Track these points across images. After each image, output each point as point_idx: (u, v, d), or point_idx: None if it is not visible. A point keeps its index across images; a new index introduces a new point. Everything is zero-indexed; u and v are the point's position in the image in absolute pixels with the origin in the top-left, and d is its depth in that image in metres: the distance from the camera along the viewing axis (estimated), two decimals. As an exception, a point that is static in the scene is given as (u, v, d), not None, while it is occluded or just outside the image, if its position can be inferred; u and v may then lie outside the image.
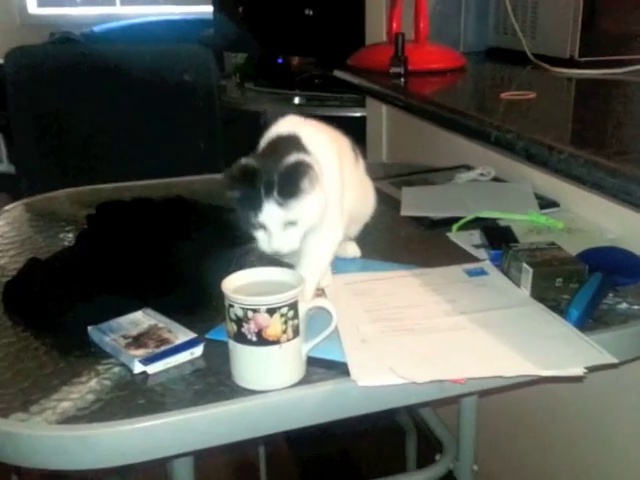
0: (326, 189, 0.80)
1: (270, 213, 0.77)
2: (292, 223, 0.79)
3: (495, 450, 1.49)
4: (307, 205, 0.78)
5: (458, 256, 1.03)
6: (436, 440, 1.38)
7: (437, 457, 1.33)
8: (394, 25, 1.63)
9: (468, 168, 1.39)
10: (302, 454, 1.87)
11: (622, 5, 1.55)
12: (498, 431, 1.48)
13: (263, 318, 0.69)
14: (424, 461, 1.38)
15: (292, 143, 0.81)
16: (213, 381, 0.73)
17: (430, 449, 1.39)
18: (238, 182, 0.78)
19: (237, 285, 0.74)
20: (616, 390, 1.13)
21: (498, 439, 1.49)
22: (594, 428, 1.20)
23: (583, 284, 0.87)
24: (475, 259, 1.02)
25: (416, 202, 1.24)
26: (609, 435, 1.16)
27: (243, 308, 0.70)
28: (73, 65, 2.04)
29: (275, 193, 0.76)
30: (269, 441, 1.65)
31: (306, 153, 0.80)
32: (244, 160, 0.79)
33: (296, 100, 2.50)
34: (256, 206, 0.77)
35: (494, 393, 1.11)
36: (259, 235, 0.80)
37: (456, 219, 1.13)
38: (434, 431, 1.39)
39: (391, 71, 1.52)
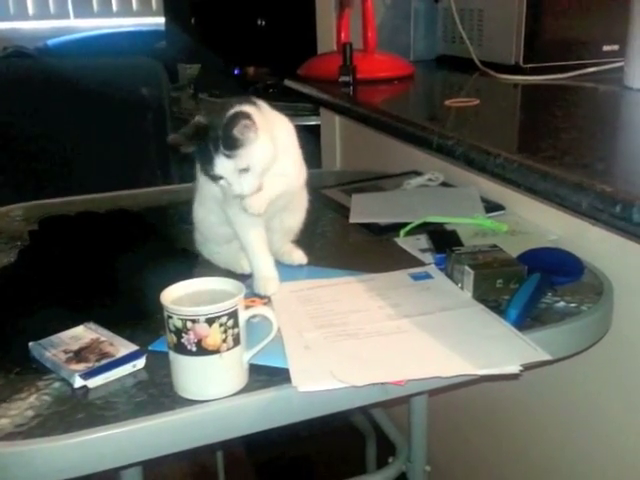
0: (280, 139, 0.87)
1: (221, 165, 0.84)
2: (245, 170, 0.84)
3: (448, 449, 1.51)
4: (252, 153, 0.83)
5: (405, 261, 1.04)
6: (390, 442, 1.39)
7: (390, 459, 1.34)
8: (342, 35, 1.65)
9: (417, 174, 1.41)
10: (261, 458, 1.87)
11: (565, 12, 1.59)
12: (450, 430, 1.50)
13: (202, 328, 0.70)
14: (384, 463, 1.39)
15: (241, 101, 0.86)
16: (155, 393, 0.73)
17: (389, 451, 1.40)
18: (191, 140, 0.85)
19: (176, 296, 0.74)
20: (564, 386, 1.15)
21: (451, 438, 1.51)
22: (545, 425, 1.22)
23: (522, 284, 0.89)
24: (421, 263, 1.03)
25: (365, 209, 1.25)
26: (560, 432, 1.19)
27: (182, 319, 0.70)
28: (24, 79, 2.02)
29: (221, 146, 0.82)
30: (227, 445, 1.64)
31: (252, 105, 0.85)
32: (195, 118, 0.85)
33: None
34: (209, 160, 0.84)
35: (444, 392, 1.13)
36: (222, 184, 0.86)
37: (404, 224, 1.14)
38: (387, 433, 1.41)
39: (340, 80, 1.53)
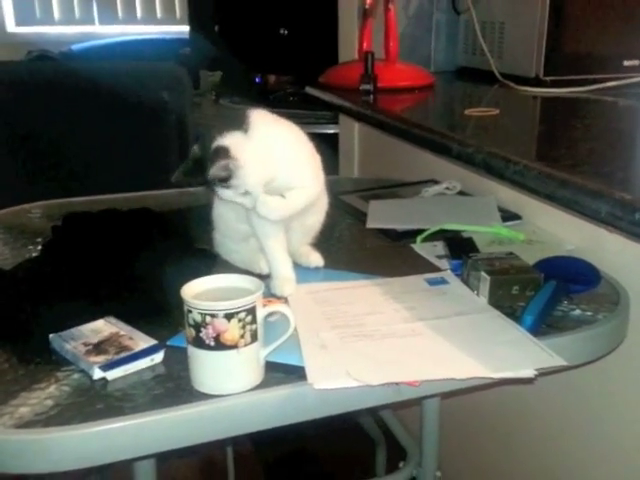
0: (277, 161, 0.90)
1: (222, 193, 0.89)
2: (246, 192, 0.88)
3: (459, 455, 1.51)
4: (242, 180, 0.86)
5: (421, 266, 1.05)
6: (401, 447, 1.39)
7: (401, 464, 1.34)
8: (364, 44, 1.67)
9: (435, 182, 1.42)
10: (270, 456, 1.87)
11: (586, 26, 1.59)
12: (462, 435, 1.50)
13: (221, 323, 0.71)
14: (394, 468, 1.39)
15: (232, 126, 0.88)
16: (172, 386, 0.74)
17: (399, 455, 1.40)
18: (190, 177, 0.89)
19: (197, 291, 0.75)
20: (579, 393, 1.15)
21: (462, 443, 1.51)
22: (558, 433, 1.22)
23: (538, 291, 0.89)
24: (438, 269, 1.04)
25: (382, 215, 1.26)
26: (573, 440, 1.18)
27: (201, 313, 0.71)
28: (48, 82, 2.05)
29: (216, 182, 0.87)
30: (237, 442, 1.65)
31: (241, 130, 0.87)
32: (193, 148, 0.89)
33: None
34: (213, 190, 0.89)
35: (456, 396, 1.13)
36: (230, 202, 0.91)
37: (421, 231, 1.15)
38: (398, 438, 1.41)
39: (361, 88, 1.55)
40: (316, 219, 1.02)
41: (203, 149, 0.88)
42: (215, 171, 0.85)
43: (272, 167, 0.89)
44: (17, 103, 1.99)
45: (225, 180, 0.86)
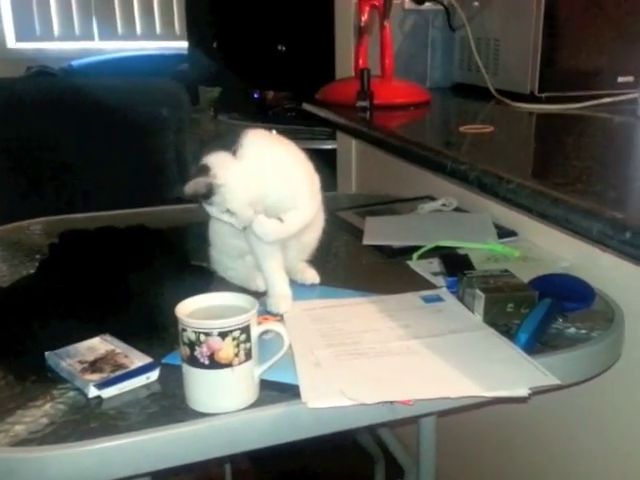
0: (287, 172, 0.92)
1: (209, 211, 0.91)
2: (228, 211, 0.89)
3: (456, 471, 1.50)
4: (223, 196, 0.88)
5: (417, 283, 1.05)
6: (399, 464, 1.39)
7: (397, 482, 1.34)
8: (360, 61, 1.68)
9: (431, 199, 1.43)
10: (268, 472, 1.86)
11: (581, 43, 1.61)
12: (459, 452, 1.49)
13: (215, 341, 0.71)
14: (392, 484, 1.39)
15: (225, 141, 0.90)
16: (167, 404, 0.74)
17: (397, 473, 1.40)
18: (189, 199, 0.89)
19: (191, 309, 0.75)
20: (575, 413, 1.15)
21: (459, 460, 1.50)
22: (554, 451, 1.22)
23: (533, 309, 0.90)
24: (433, 286, 1.04)
25: (379, 231, 1.27)
26: (569, 459, 1.18)
27: (195, 332, 0.71)
28: (47, 98, 2.07)
29: (194, 196, 0.89)
30: (235, 459, 1.64)
31: (227, 151, 0.88)
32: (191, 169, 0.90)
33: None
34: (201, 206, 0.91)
35: (453, 414, 1.13)
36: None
37: (417, 248, 1.16)
38: (395, 455, 1.40)
39: (357, 105, 1.56)
40: (312, 236, 1.03)
41: (194, 170, 0.89)
42: (190, 187, 0.86)
43: (258, 188, 0.89)
44: (16, 119, 2.00)
45: (205, 197, 0.88)
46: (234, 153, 0.89)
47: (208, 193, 0.87)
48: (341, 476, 1.82)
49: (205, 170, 0.87)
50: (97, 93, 2.00)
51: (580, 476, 1.17)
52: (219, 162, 0.88)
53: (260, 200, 0.90)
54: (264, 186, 0.90)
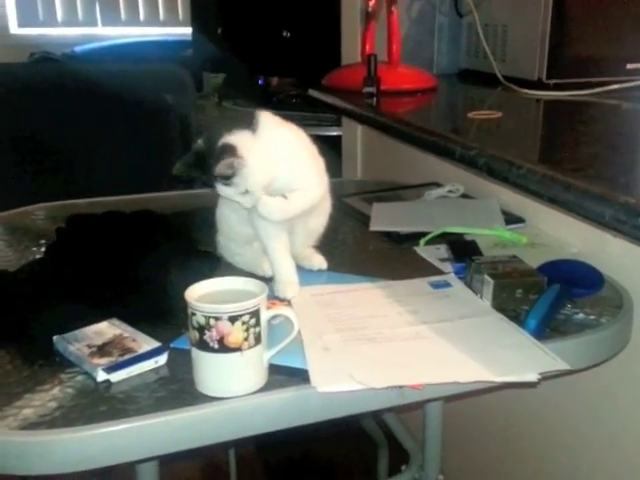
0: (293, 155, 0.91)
1: (223, 191, 0.89)
2: (246, 191, 0.87)
3: (462, 458, 1.51)
4: (244, 179, 0.86)
5: (424, 269, 1.05)
6: (404, 450, 1.39)
7: (403, 467, 1.34)
8: (367, 47, 1.67)
9: (438, 185, 1.42)
10: (273, 457, 1.87)
11: (589, 30, 1.59)
12: (464, 438, 1.50)
13: (225, 326, 0.71)
14: (396, 471, 1.39)
15: (238, 124, 0.88)
16: (176, 388, 0.74)
17: (401, 458, 1.40)
18: (192, 170, 0.89)
19: (201, 294, 0.75)
20: (581, 397, 1.15)
21: (464, 447, 1.50)
22: (561, 437, 1.22)
23: (541, 295, 0.89)
24: (441, 272, 1.04)
25: (385, 217, 1.26)
26: (577, 444, 1.18)
27: (205, 316, 0.71)
28: (51, 84, 2.06)
29: (218, 178, 0.86)
30: (239, 444, 1.65)
31: (248, 129, 0.87)
32: (197, 142, 0.89)
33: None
34: (212, 185, 0.89)
35: (459, 399, 1.13)
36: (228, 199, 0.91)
37: (424, 234, 1.15)
38: (401, 440, 1.41)
39: (364, 91, 1.55)
40: (319, 222, 1.02)
41: (208, 144, 0.87)
42: (220, 168, 0.85)
43: (275, 168, 0.89)
44: (20, 105, 1.99)
45: (228, 178, 0.86)
46: (254, 132, 0.88)
47: (232, 174, 0.86)
48: (345, 461, 1.83)
49: (232, 150, 0.85)
50: (101, 79, 1.99)
51: (586, 462, 1.17)
52: (242, 142, 0.86)
53: (274, 180, 0.89)
54: (278, 166, 0.89)
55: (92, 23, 4.02)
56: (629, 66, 1.61)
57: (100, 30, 4.03)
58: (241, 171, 0.86)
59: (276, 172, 0.89)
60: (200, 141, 0.89)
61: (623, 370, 1.02)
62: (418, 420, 1.34)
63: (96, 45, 3.57)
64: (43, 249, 1.10)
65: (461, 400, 1.11)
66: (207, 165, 0.86)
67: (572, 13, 1.57)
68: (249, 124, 0.88)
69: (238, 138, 0.86)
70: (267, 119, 0.91)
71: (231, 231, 1.01)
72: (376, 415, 1.54)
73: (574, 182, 0.86)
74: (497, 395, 1.09)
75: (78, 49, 3.46)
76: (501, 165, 0.98)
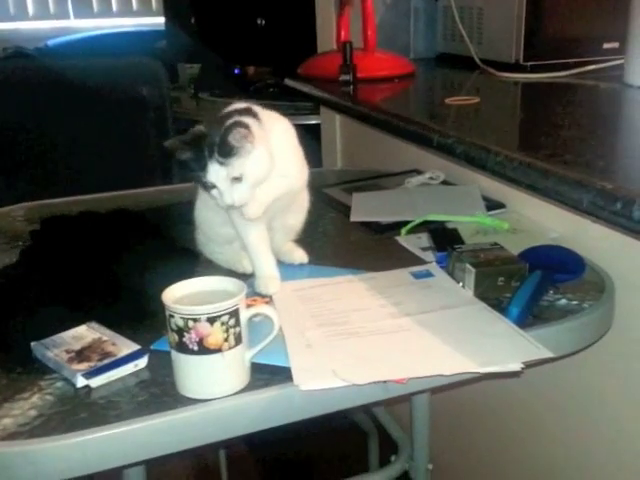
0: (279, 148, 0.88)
1: (214, 172, 0.84)
2: (237, 179, 0.84)
3: (450, 448, 1.51)
4: (246, 162, 0.84)
5: (406, 259, 1.04)
6: (393, 441, 1.39)
7: (392, 458, 1.34)
8: (342, 33, 1.65)
9: (418, 172, 1.42)
10: (263, 456, 1.87)
11: (565, 10, 1.59)
12: (453, 428, 1.50)
13: (204, 327, 0.70)
14: (386, 461, 1.39)
15: (241, 112, 0.87)
16: (157, 392, 0.73)
17: (391, 449, 1.41)
18: (187, 146, 0.85)
19: (178, 295, 0.74)
20: (567, 384, 1.15)
21: (453, 437, 1.51)
22: (547, 423, 1.22)
23: (524, 282, 0.89)
24: (423, 261, 1.03)
25: (366, 207, 1.26)
26: (563, 430, 1.19)
27: (183, 318, 0.70)
28: (25, 80, 2.02)
29: (216, 153, 0.82)
30: (230, 444, 1.64)
31: (252, 117, 0.86)
32: (195, 127, 0.86)
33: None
34: (203, 167, 0.84)
35: (446, 390, 1.13)
36: (213, 193, 0.86)
37: (405, 223, 1.15)
38: (390, 432, 1.41)
39: (340, 79, 1.53)
40: (297, 218, 1.01)
41: (211, 126, 0.84)
42: (233, 137, 0.81)
43: (272, 164, 0.87)
44: (-8, 102, 1.95)
45: (230, 154, 0.82)
46: (259, 122, 0.87)
47: (239, 150, 0.82)
48: (336, 455, 1.84)
49: (245, 126, 0.82)
50: (75, 74, 1.95)
51: (573, 450, 1.17)
52: (253, 126, 0.84)
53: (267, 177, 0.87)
54: (273, 158, 0.87)
55: (64, 16, 3.96)
56: (606, 45, 1.60)
57: (73, 22, 3.97)
58: (245, 152, 0.83)
59: (272, 167, 0.87)
60: (199, 127, 0.86)
61: (606, 354, 1.02)
62: (406, 410, 1.35)
63: (69, 38, 3.52)
64: (17, 251, 1.08)
65: (448, 390, 1.11)
66: (206, 143, 0.83)
67: (547, -7, 1.56)
68: (253, 115, 0.87)
69: (248, 121, 0.85)
70: (263, 112, 0.90)
71: (212, 232, 0.99)
72: (365, 407, 1.54)
73: (551, 168, 0.85)
74: (483, 384, 1.08)
75: (51, 43, 3.41)
76: (479, 153, 0.97)
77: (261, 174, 0.86)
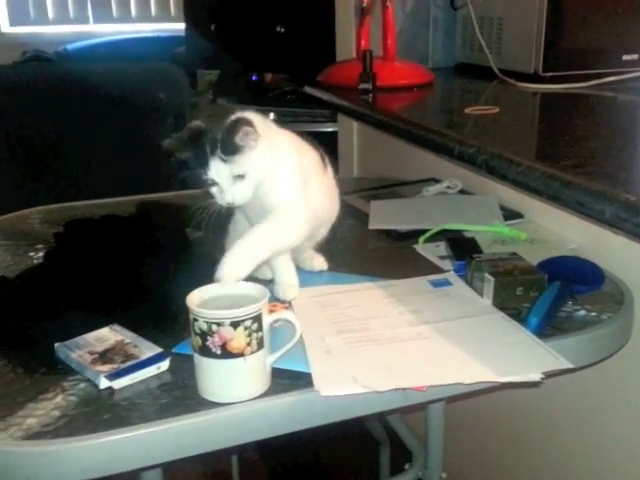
0: (282, 164, 0.87)
1: (216, 169, 0.82)
2: (240, 177, 0.83)
3: (464, 457, 1.51)
4: (250, 160, 0.83)
5: (424, 267, 1.04)
6: (407, 449, 1.39)
7: (406, 466, 1.34)
8: (362, 42, 1.66)
9: (436, 181, 1.42)
10: (275, 462, 1.87)
11: (585, 21, 1.59)
12: (467, 437, 1.50)
13: (227, 331, 0.70)
14: (397, 470, 1.39)
15: (244, 108, 0.86)
16: (179, 395, 0.74)
17: (403, 458, 1.40)
18: (187, 143, 0.82)
19: (202, 299, 0.75)
20: (583, 395, 1.15)
21: (467, 446, 1.51)
22: (563, 434, 1.22)
23: (542, 292, 0.89)
24: (441, 270, 1.03)
25: (384, 215, 1.26)
26: (579, 441, 1.19)
27: (207, 322, 0.71)
28: (43, 83, 2.04)
29: (218, 150, 0.81)
30: (242, 449, 1.65)
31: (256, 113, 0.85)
32: (192, 123, 0.84)
33: (269, 116, 2.53)
34: (204, 164, 0.82)
35: (462, 399, 1.13)
36: (214, 191, 0.85)
37: (423, 231, 1.15)
38: (404, 440, 1.41)
39: (360, 87, 1.54)
40: (322, 231, 1.02)
41: (210, 121, 0.82)
42: (238, 136, 0.79)
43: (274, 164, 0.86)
44: (12, 105, 1.98)
45: (234, 152, 0.81)
46: (265, 118, 0.87)
47: (243, 147, 0.81)
48: (348, 463, 1.83)
49: (249, 123, 0.81)
50: (95, 79, 1.97)
51: (588, 460, 1.17)
52: (257, 121, 0.83)
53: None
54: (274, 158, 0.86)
55: (84, 20, 4.01)
56: (625, 57, 1.61)
57: (92, 27, 4.01)
58: (249, 149, 0.82)
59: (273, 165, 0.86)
60: (196, 122, 0.84)
61: (626, 365, 1.02)
62: (420, 419, 1.34)
63: (88, 43, 3.55)
64: (41, 254, 1.10)
65: (463, 399, 1.11)
66: (207, 139, 0.80)
67: (568, 4, 1.57)
68: (256, 111, 0.87)
69: (252, 117, 0.84)
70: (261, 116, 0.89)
71: (237, 236, 0.99)
72: (379, 415, 1.54)
73: (574, 179, 0.85)
74: (499, 393, 1.08)
75: (70, 47, 3.45)
76: (500, 163, 0.98)
77: (262, 173, 0.85)
